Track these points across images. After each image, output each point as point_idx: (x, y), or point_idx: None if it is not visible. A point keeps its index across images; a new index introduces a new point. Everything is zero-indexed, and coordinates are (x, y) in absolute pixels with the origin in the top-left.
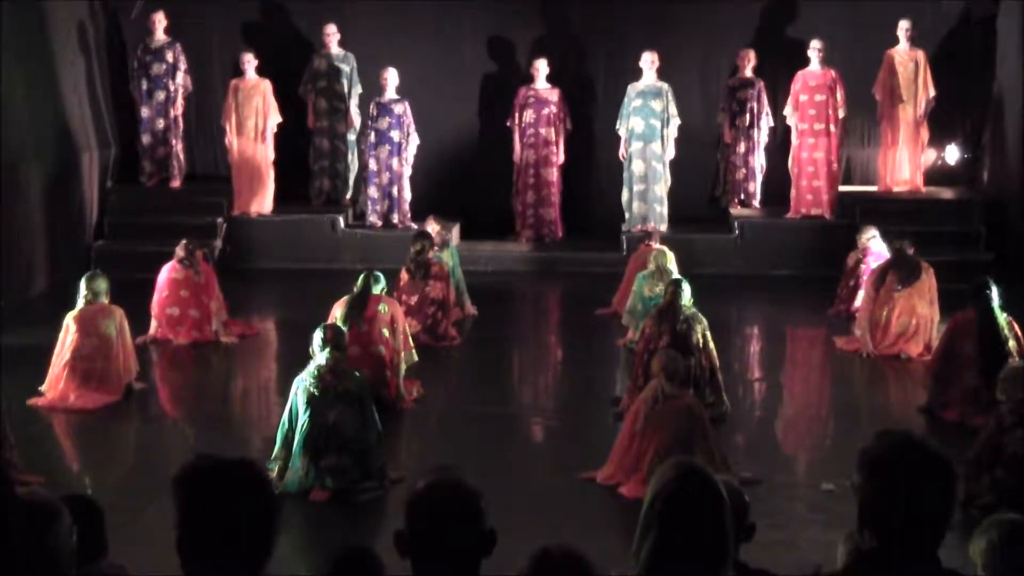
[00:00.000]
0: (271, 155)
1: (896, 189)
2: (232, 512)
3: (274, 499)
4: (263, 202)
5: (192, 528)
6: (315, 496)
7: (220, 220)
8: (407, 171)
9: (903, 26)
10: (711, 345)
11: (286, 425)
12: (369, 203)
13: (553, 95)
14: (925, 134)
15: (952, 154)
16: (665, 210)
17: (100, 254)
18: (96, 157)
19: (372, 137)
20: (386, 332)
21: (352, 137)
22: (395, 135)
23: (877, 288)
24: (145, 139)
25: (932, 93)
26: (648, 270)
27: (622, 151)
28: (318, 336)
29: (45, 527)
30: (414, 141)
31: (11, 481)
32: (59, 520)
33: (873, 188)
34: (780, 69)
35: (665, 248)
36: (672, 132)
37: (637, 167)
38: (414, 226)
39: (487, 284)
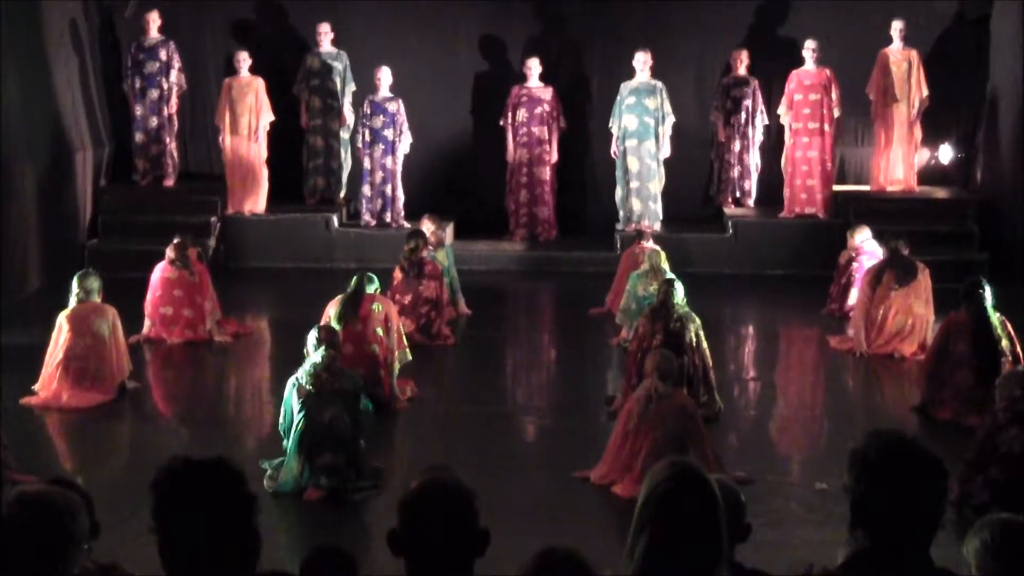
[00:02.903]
0: (264, 154)
1: (890, 189)
2: (206, 512)
3: (249, 497)
4: (257, 201)
5: (170, 530)
6: (309, 495)
7: (214, 219)
8: (400, 170)
9: (896, 26)
10: (704, 344)
11: (286, 422)
12: (363, 202)
13: (546, 94)
14: (919, 134)
15: (946, 154)
16: (659, 208)
17: (94, 253)
18: (90, 156)
19: (366, 136)
20: (380, 331)
21: (346, 135)
22: (389, 133)
23: (873, 287)
24: (139, 138)
25: (926, 93)
26: (642, 269)
27: (614, 148)
28: (312, 336)
29: (69, 522)
30: (407, 140)
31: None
32: (80, 516)
33: (867, 188)
34: (774, 68)
35: (657, 247)
36: (667, 130)
37: (632, 165)
38: (407, 225)
39: (481, 283)
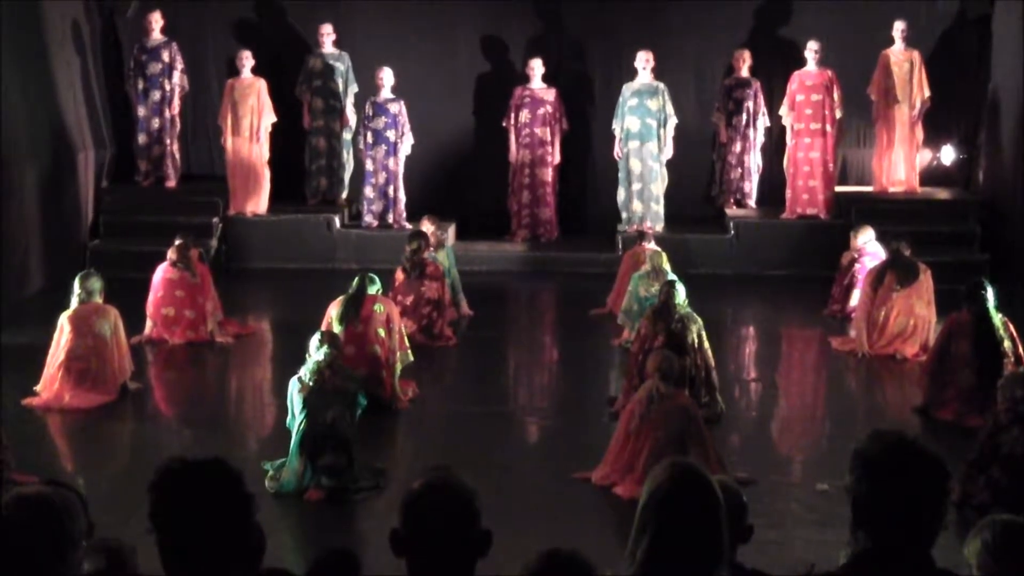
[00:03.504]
0: (266, 155)
1: (892, 189)
2: (204, 512)
3: (246, 496)
4: (259, 202)
5: (168, 531)
6: (311, 495)
7: (216, 220)
8: (402, 171)
9: (898, 27)
10: (706, 345)
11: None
12: (365, 203)
13: (549, 95)
14: (920, 134)
15: (947, 154)
16: (662, 209)
17: (96, 253)
18: (92, 156)
19: (368, 137)
20: (382, 332)
21: (348, 136)
22: (391, 135)
23: (875, 288)
24: (141, 139)
25: (927, 93)
26: (644, 270)
27: (616, 150)
28: (315, 338)
29: (67, 523)
30: (408, 140)
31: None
32: (78, 517)
33: (869, 188)
34: (776, 69)
35: (659, 248)
36: (669, 131)
37: (634, 166)
38: (409, 226)
39: (482, 284)
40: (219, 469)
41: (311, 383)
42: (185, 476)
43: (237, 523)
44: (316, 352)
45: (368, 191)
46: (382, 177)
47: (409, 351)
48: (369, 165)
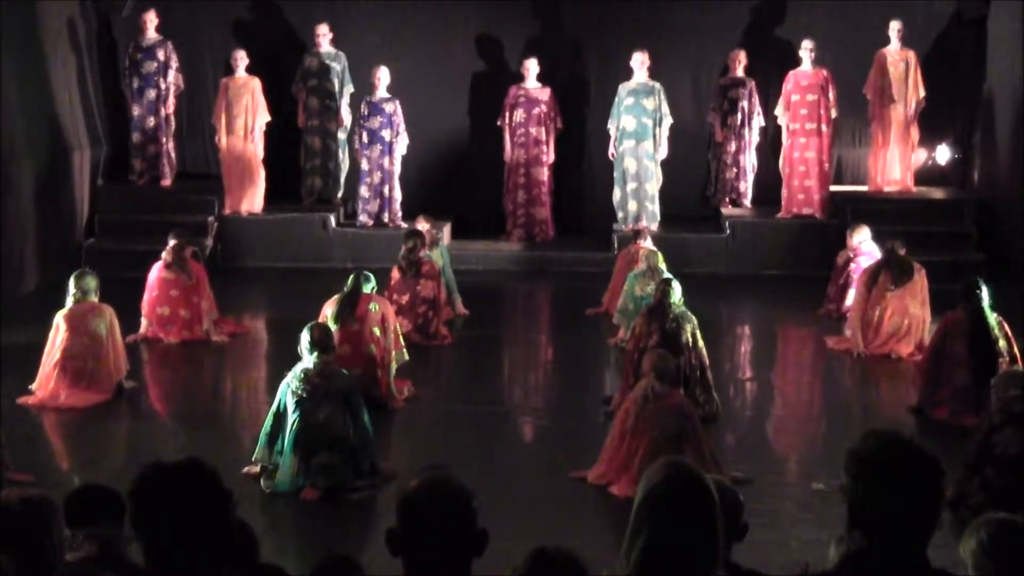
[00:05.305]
0: (261, 153)
1: (887, 189)
2: (182, 514)
3: (224, 493)
4: (254, 201)
5: (151, 536)
6: (306, 495)
7: (211, 219)
8: (398, 170)
9: (894, 26)
10: (701, 344)
11: (269, 426)
12: (360, 202)
13: (544, 94)
14: (916, 134)
15: (943, 154)
16: (657, 208)
17: (91, 252)
18: (87, 155)
19: (364, 136)
20: (377, 331)
21: (343, 136)
22: (386, 134)
23: (869, 288)
24: (136, 137)
25: (923, 93)
26: (639, 269)
27: (611, 150)
28: (305, 338)
29: (43, 524)
30: (404, 140)
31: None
32: (55, 517)
33: (864, 188)
34: (771, 69)
35: (654, 247)
36: (665, 131)
37: (630, 165)
38: (404, 225)
39: (478, 283)
40: (193, 469)
41: (301, 392)
42: (160, 480)
43: (217, 520)
44: (307, 358)
45: (363, 190)
46: (377, 176)
47: (404, 350)
48: (364, 164)
